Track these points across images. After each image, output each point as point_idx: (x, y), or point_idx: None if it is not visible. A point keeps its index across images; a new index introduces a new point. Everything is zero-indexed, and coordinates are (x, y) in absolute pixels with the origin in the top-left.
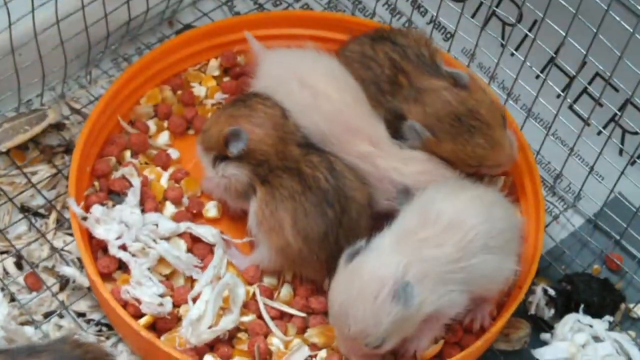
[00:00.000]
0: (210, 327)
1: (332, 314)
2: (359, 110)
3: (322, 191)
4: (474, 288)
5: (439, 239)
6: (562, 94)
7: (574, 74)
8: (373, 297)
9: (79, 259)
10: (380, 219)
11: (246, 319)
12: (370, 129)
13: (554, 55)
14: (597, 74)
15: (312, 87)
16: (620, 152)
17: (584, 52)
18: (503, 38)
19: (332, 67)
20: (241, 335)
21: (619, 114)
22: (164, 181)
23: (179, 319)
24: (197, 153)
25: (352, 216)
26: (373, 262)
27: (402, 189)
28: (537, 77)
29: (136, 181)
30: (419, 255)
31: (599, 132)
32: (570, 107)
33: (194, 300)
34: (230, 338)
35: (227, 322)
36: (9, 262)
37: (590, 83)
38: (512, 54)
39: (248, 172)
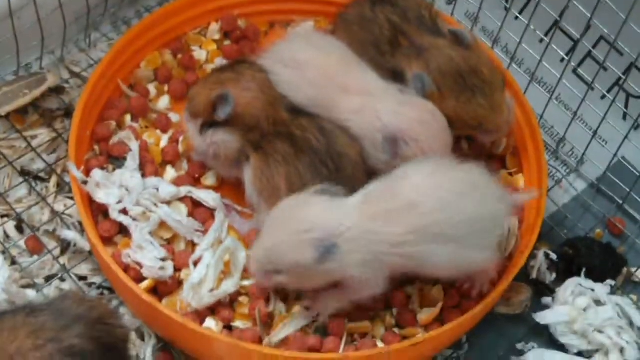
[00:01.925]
0: (211, 291)
1: (266, 223)
2: (346, 69)
3: (314, 151)
4: (417, 270)
5: (393, 216)
6: (566, 57)
7: (579, 37)
8: (297, 234)
9: (80, 223)
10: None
11: (247, 282)
12: (361, 82)
13: (559, 19)
14: (601, 38)
15: (294, 62)
16: (624, 116)
17: (589, 16)
18: (507, 1)
19: (309, 37)
20: (242, 299)
21: (623, 77)
22: (163, 144)
23: (180, 283)
24: (184, 120)
25: (347, 173)
26: (323, 207)
27: (389, 137)
28: (541, 40)
29: (134, 145)
30: (365, 226)
31: (603, 96)
32: (574, 71)
33: (195, 264)
34: (231, 302)
35: (229, 286)
36: (10, 226)
37: (594, 47)
38: (516, 17)
39: (238, 138)
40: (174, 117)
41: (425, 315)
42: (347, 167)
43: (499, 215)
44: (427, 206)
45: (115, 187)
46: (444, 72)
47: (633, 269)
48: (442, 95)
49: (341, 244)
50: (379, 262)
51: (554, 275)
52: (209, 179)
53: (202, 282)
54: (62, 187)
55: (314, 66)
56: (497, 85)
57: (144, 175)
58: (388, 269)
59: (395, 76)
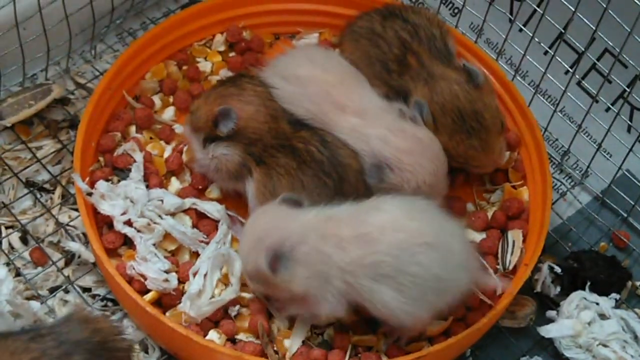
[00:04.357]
0: (211, 299)
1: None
2: (345, 87)
3: (317, 162)
4: (363, 304)
5: (348, 243)
6: (570, 70)
7: (583, 49)
8: (257, 240)
9: (84, 234)
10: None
11: (248, 295)
12: (358, 103)
13: (563, 31)
14: (606, 50)
15: (294, 77)
16: (629, 129)
17: (593, 28)
18: (511, 13)
19: (310, 53)
20: (244, 311)
21: (627, 90)
22: (167, 155)
23: (184, 295)
24: (185, 134)
25: (351, 182)
26: (287, 218)
27: (376, 163)
28: (546, 53)
29: (139, 156)
30: (318, 244)
31: (607, 109)
32: (579, 84)
33: (195, 275)
34: (233, 315)
35: (227, 294)
36: (15, 237)
37: (599, 59)
38: (520, 30)
39: (240, 152)
40: (178, 128)
41: (435, 327)
42: (350, 176)
43: (457, 285)
44: (383, 246)
45: (119, 199)
46: (445, 108)
47: (638, 283)
48: (436, 128)
49: (292, 255)
50: (329, 284)
51: (559, 289)
52: (214, 192)
53: (200, 293)
54: (67, 199)
55: (313, 82)
56: (494, 130)
57: (148, 187)
58: (342, 295)
59: (399, 94)
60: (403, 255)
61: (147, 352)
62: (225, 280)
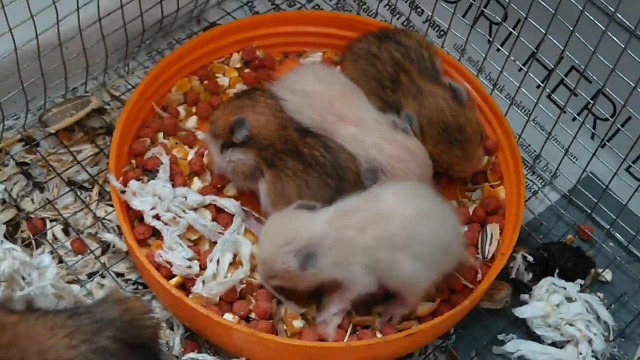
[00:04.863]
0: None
1: (260, 237)
2: (345, 100)
3: (321, 166)
4: (382, 278)
5: (367, 224)
6: (541, 84)
7: (553, 67)
8: (283, 244)
9: (119, 227)
10: None
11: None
12: (357, 114)
13: (535, 51)
14: (573, 68)
15: (302, 91)
16: (593, 136)
17: (562, 48)
18: (490, 35)
19: (316, 70)
20: (257, 293)
21: (592, 102)
22: (190, 158)
23: (199, 278)
24: (206, 140)
25: (351, 183)
26: (305, 220)
27: (371, 168)
28: (520, 70)
29: (166, 159)
30: (341, 233)
31: (574, 119)
32: (549, 97)
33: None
34: (247, 298)
35: (238, 274)
36: (58, 229)
37: (566, 75)
38: (498, 50)
39: (254, 157)
40: (200, 135)
41: (425, 308)
42: (350, 177)
43: (456, 247)
44: (399, 221)
45: (149, 196)
46: (432, 120)
47: (600, 271)
48: (424, 138)
49: (318, 252)
50: (357, 262)
51: (531, 275)
52: (231, 190)
53: (215, 276)
54: (104, 196)
55: (318, 96)
56: (475, 141)
57: (174, 186)
58: (364, 268)
59: (392, 108)
60: (415, 225)
61: (172, 329)
62: (236, 265)
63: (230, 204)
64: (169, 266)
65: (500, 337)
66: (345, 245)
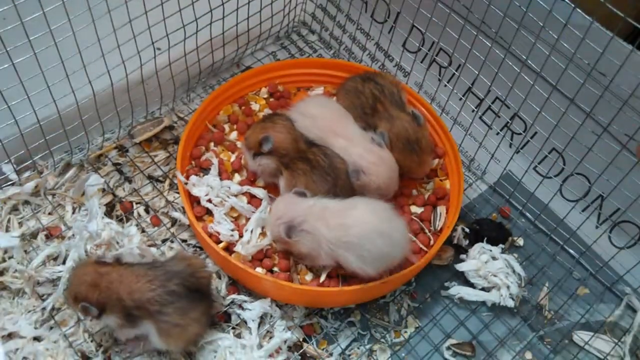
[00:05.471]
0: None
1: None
2: (338, 121)
3: (322, 167)
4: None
5: (332, 227)
6: (475, 109)
7: (483, 97)
8: (277, 218)
9: (183, 207)
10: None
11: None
12: (347, 132)
13: (471, 86)
14: (497, 97)
15: (309, 114)
16: (510, 145)
17: (489, 84)
18: (440, 75)
19: (319, 100)
20: (277, 254)
21: (510, 121)
22: (232, 160)
23: (238, 242)
24: (242, 150)
25: (342, 179)
26: (294, 203)
27: (355, 169)
28: (460, 99)
29: (215, 161)
30: (317, 222)
31: (497, 133)
32: (480, 117)
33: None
34: (271, 257)
35: (265, 241)
36: (141, 209)
37: (492, 103)
38: (445, 85)
39: (275, 161)
40: (239, 144)
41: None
42: (341, 176)
43: (395, 258)
44: (355, 231)
45: (204, 186)
46: (398, 136)
47: (515, 238)
48: (392, 149)
49: (298, 227)
50: (322, 248)
51: (467, 242)
52: (260, 183)
53: (249, 241)
54: (173, 186)
55: (320, 118)
56: (427, 151)
57: (221, 179)
58: (329, 255)
59: (371, 127)
60: (365, 238)
61: (220, 278)
62: (264, 235)
63: (259, 192)
64: (217, 235)
65: (446, 284)
66: (316, 232)
